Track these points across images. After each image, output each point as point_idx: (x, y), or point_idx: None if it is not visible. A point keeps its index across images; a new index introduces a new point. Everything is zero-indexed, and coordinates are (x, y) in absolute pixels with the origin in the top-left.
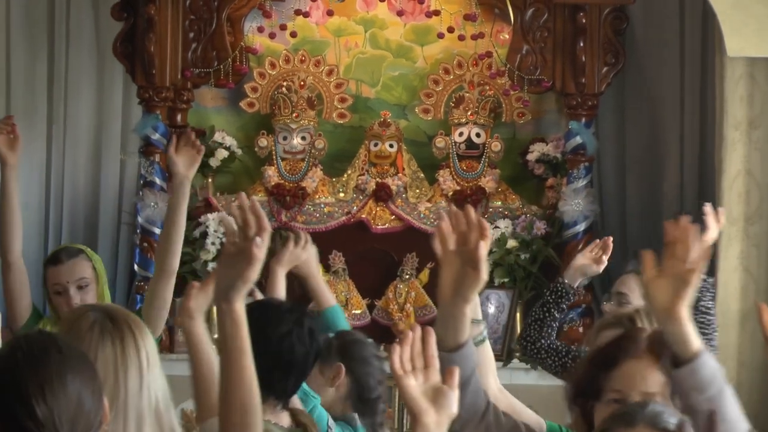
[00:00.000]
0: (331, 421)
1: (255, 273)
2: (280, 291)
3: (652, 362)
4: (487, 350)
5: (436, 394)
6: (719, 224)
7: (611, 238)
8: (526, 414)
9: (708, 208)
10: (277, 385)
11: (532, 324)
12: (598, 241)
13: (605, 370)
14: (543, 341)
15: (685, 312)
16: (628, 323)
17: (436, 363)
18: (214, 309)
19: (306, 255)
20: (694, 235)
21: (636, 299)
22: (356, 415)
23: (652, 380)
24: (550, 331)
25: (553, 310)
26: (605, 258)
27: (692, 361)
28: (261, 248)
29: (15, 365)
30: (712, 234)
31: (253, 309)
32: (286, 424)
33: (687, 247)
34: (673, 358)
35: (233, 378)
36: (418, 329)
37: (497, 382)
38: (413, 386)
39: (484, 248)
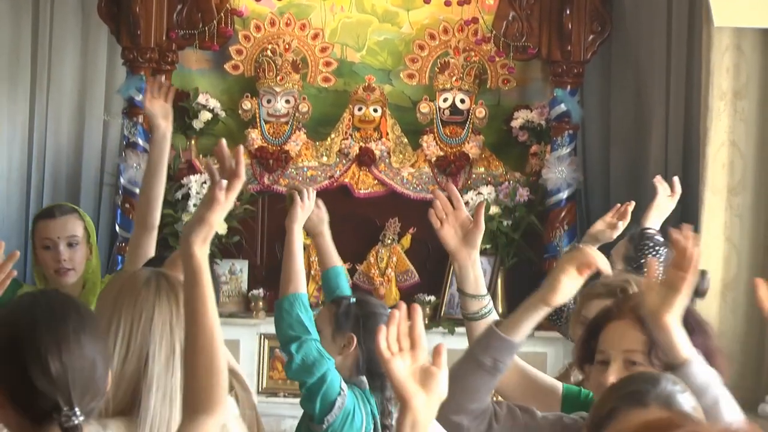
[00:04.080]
0: (343, 384)
1: (216, 216)
2: (298, 249)
3: (633, 322)
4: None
5: (425, 376)
6: (674, 195)
7: (632, 204)
8: (542, 379)
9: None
10: None
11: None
12: (619, 205)
13: (594, 336)
14: None
15: (671, 320)
16: (620, 294)
17: (423, 342)
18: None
19: (317, 209)
20: (694, 244)
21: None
22: (364, 378)
23: (631, 338)
24: None
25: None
26: (621, 225)
27: (681, 369)
28: (223, 191)
29: (33, 321)
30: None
31: None
32: None
33: (687, 257)
34: (665, 364)
35: (196, 323)
36: (404, 307)
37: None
38: (401, 368)
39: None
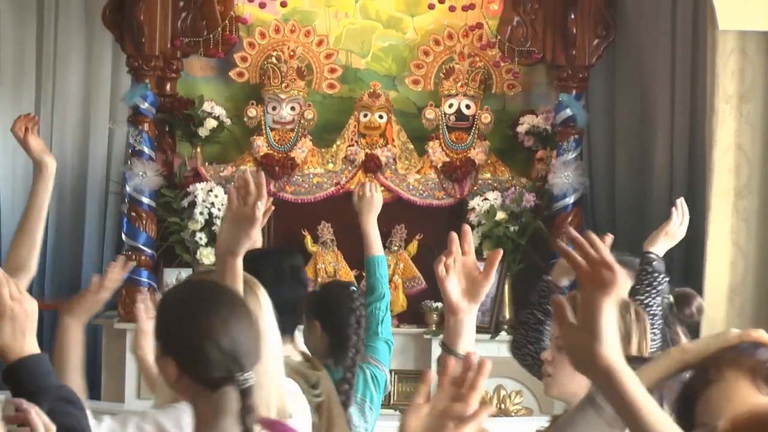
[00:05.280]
0: None
1: (256, 231)
2: None
3: (742, 381)
4: None
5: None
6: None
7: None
8: None
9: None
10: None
11: (518, 327)
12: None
13: (689, 408)
14: (530, 347)
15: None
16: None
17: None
18: None
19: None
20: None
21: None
22: (331, 361)
23: (747, 403)
24: (537, 335)
25: (537, 312)
26: None
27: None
28: (261, 211)
29: (200, 306)
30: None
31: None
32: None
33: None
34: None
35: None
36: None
37: None
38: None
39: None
